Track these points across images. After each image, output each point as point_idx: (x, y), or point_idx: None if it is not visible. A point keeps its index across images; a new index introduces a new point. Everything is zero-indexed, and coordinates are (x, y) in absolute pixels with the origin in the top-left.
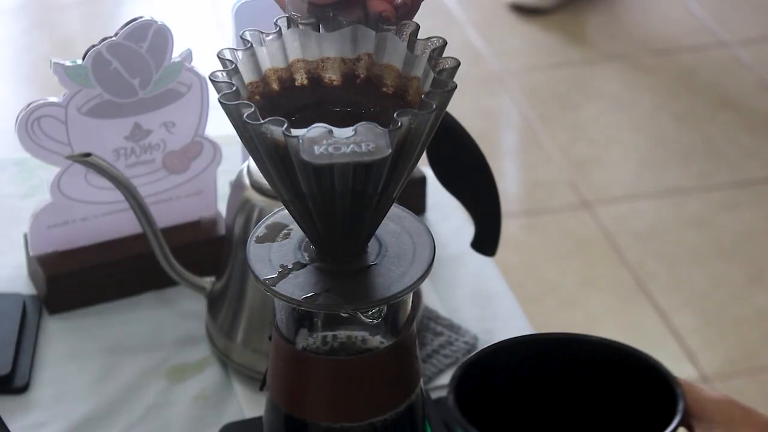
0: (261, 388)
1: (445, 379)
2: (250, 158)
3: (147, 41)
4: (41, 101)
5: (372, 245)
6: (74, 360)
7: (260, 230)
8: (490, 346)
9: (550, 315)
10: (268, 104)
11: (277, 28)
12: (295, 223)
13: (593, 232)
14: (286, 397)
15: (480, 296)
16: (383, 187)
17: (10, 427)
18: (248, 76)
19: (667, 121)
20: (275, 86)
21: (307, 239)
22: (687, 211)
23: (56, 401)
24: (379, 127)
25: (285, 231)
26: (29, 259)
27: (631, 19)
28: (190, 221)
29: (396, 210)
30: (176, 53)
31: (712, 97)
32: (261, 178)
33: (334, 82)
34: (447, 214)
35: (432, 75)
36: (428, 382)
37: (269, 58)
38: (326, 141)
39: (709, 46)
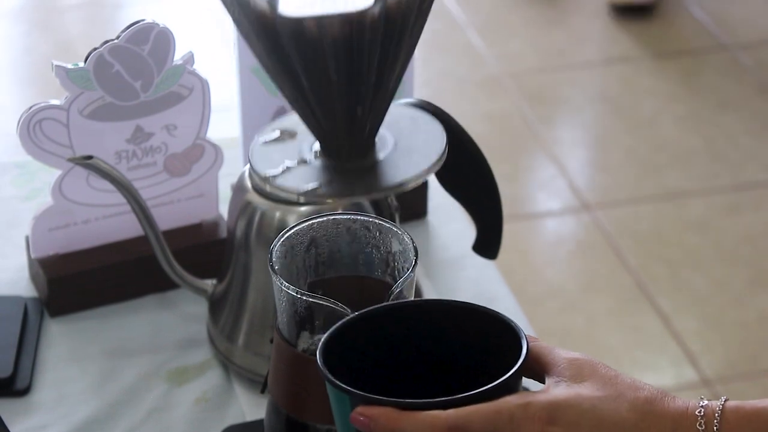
0: (262, 391)
1: None
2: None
3: (149, 44)
4: (43, 104)
5: (383, 143)
6: (75, 362)
7: (267, 133)
8: (355, 314)
9: (551, 318)
10: None
11: None
12: (304, 128)
13: (594, 235)
14: (287, 400)
15: (481, 299)
16: (378, 72)
17: (11, 430)
18: None
19: (669, 124)
20: None
21: (315, 141)
22: (688, 214)
23: (58, 404)
24: None
25: (291, 134)
26: (30, 261)
27: (631, 22)
28: (191, 224)
29: (410, 110)
30: (178, 56)
31: (713, 99)
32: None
33: None
34: (448, 216)
35: None
36: None
37: None
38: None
39: (710, 49)
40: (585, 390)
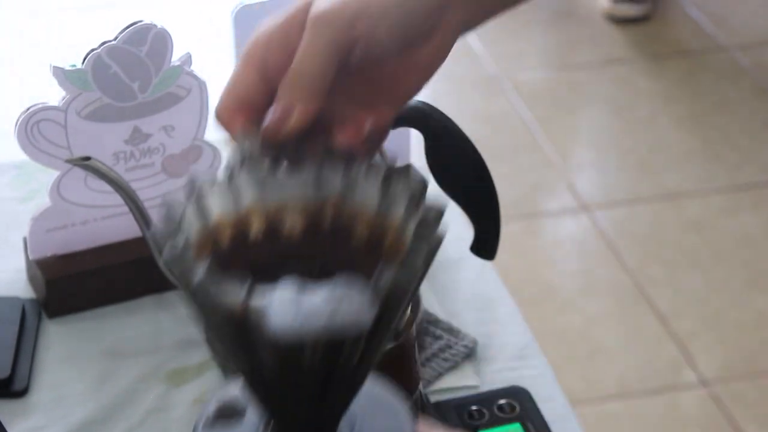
0: None
1: (445, 382)
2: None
3: (146, 45)
4: (40, 105)
5: (343, 425)
6: (73, 363)
7: (210, 411)
8: None
9: (548, 319)
10: (216, 261)
11: (229, 171)
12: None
13: (592, 236)
14: None
15: (479, 300)
16: (358, 361)
17: (9, 431)
18: (195, 225)
19: (666, 125)
20: (226, 240)
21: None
22: (686, 215)
23: (55, 405)
24: (357, 289)
25: (240, 412)
26: (28, 262)
27: (629, 23)
28: None
29: (376, 390)
30: (176, 57)
31: (711, 100)
32: None
33: (296, 233)
34: (446, 217)
35: (411, 222)
36: (427, 386)
37: (220, 205)
38: (294, 309)
39: (708, 49)
40: None
